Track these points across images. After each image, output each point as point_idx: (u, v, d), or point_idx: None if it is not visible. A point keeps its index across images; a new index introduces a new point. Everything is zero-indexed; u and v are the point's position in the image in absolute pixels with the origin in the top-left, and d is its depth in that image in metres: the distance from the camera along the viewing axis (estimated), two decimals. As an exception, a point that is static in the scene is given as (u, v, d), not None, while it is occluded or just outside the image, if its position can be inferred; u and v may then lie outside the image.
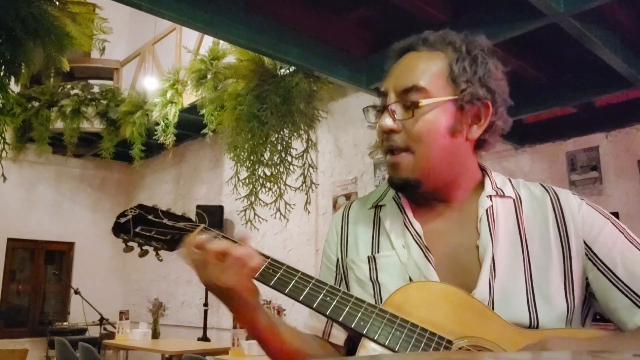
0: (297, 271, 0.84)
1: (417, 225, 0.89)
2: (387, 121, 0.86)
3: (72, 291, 6.34)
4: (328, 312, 0.80)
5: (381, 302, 0.85)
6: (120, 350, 5.82)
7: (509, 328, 0.78)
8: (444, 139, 0.85)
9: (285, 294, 0.82)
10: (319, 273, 1.01)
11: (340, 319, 0.79)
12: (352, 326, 0.78)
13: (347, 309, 0.80)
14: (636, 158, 3.70)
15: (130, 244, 0.94)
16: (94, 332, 6.44)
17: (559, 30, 2.57)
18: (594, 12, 2.50)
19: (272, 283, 0.83)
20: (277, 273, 0.84)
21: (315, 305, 0.81)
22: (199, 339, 5.98)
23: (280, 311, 4.13)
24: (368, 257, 0.92)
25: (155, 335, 5.73)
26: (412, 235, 0.89)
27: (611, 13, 2.70)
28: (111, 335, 5.83)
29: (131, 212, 0.94)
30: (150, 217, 0.93)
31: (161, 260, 0.97)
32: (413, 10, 2.62)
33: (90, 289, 6.33)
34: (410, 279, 0.86)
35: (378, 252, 0.91)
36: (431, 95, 0.85)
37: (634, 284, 0.80)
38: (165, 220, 0.93)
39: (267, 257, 0.85)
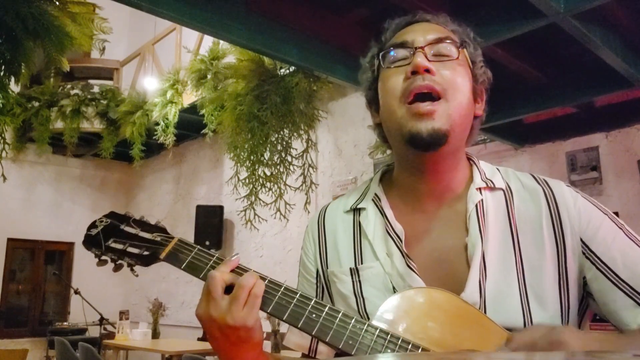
0: (264, 278, 0.79)
1: (399, 229, 0.83)
2: (424, 60, 0.79)
3: (72, 291, 6.34)
4: (314, 331, 0.74)
5: (367, 317, 0.80)
6: (120, 350, 5.82)
7: (506, 337, 0.72)
8: (469, 98, 0.82)
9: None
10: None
11: (327, 339, 0.73)
12: (340, 346, 0.72)
13: (334, 326, 0.74)
14: (636, 158, 3.70)
15: (103, 257, 0.89)
16: (94, 332, 6.44)
17: (559, 30, 2.57)
18: (594, 12, 2.50)
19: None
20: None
21: (285, 317, 0.75)
22: (199, 339, 5.98)
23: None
24: (351, 269, 0.85)
25: (155, 335, 5.73)
26: (394, 241, 0.83)
27: (611, 13, 2.70)
28: (111, 335, 5.83)
29: (101, 223, 0.90)
30: (122, 227, 0.89)
31: (137, 276, 0.93)
32: (412, 9, 2.61)
33: (90, 289, 6.33)
34: (395, 289, 0.80)
35: (362, 263, 0.85)
36: (460, 54, 0.82)
37: (636, 283, 0.74)
38: (139, 232, 0.88)
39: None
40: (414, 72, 0.79)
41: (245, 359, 0.78)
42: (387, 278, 0.81)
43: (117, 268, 0.89)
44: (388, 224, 0.85)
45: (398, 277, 0.80)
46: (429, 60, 0.80)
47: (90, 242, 0.89)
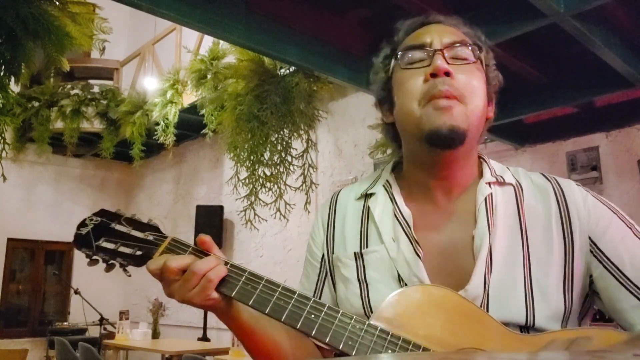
0: (261, 278, 0.78)
1: (407, 213, 0.83)
2: (444, 63, 0.79)
3: (72, 291, 6.34)
4: (313, 332, 0.74)
5: (369, 303, 0.81)
6: (120, 350, 5.82)
7: (507, 335, 0.72)
8: (484, 101, 0.83)
9: (250, 306, 0.76)
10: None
11: (327, 340, 0.72)
12: (340, 347, 0.72)
13: (333, 327, 0.73)
14: (636, 158, 3.70)
15: (94, 257, 0.85)
16: (94, 332, 6.44)
17: (559, 30, 2.57)
18: (594, 12, 2.50)
19: (233, 294, 0.77)
20: (238, 282, 0.77)
21: (284, 318, 0.74)
22: (199, 339, 5.98)
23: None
24: (355, 253, 0.85)
25: (155, 335, 5.74)
26: (401, 226, 0.83)
27: (611, 13, 2.70)
28: (111, 335, 5.84)
29: (91, 221, 0.86)
30: (113, 225, 0.86)
31: (129, 276, 0.89)
32: (413, 10, 2.62)
33: (90, 289, 6.32)
34: (399, 276, 0.80)
35: (367, 247, 0.85)
36: (477, 58, 0.83)
37: None
38: (130, 230, 0.85)
39: (227, 264, 0.79)
40: (434, 75, 0.79)
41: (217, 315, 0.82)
42: (391, 264, 0.81)
43: (109, 268, 0.86)
44: (397, 208, 0.85)
45: (404, 263, 0.80)
46: (448, 63, 0.80)
47: (80, 241, 0.85)
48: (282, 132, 4.11)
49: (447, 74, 0.79)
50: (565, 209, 0.81)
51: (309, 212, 4.34)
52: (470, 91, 0.80)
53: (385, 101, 0.90)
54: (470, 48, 0.83)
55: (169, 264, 0.77)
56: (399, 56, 0.86)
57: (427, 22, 0.88)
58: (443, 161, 0.82)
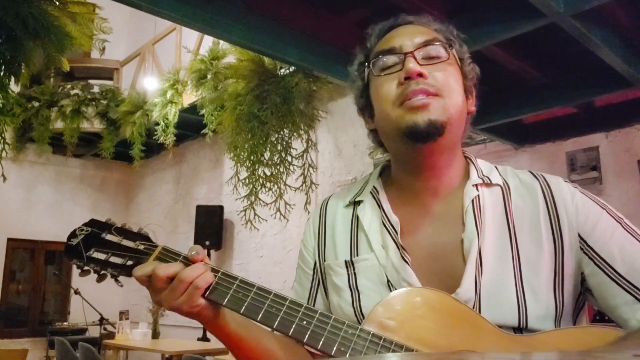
0: (253, 286, 0.78)
1: (395, 220, 0.83)
2: (416, 65, 0.80)
3: (72, 291, 6.34)
4: (305, 339, 0.74)
5: (360, 311, 0.81)
6: (120, 350, 5.83)
7: (500, 336, 0.72)
8: (462, 96, 0.83)
9: (242, 314, 0.76)
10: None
11: (319, 346, 0.72)
12: (332, 353, 0.71)
13: (325, 333, 0.73)
14: (636, 158, 3.70)
15: (85, 268, 0.86)
16: (94, 332, 6.44)
17: (558, 30, 2.57)
18: (594, 12, 2.50)
19: (225, 302, 0.77)
20: (229, 290, 0.78)
21: (275, 325, 0.74)
22: (198, 339, 5.98)
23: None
24: (346, 261, 0.85)
25: (155, 335, 5.74)
26: (389, 233, 0.83)
27: (611, 13, 2.70)
28: (111, 335, 5.84)
29: (82, 232, 0.86)
30: (104, 235, 0.86)
31: (121, 286, 0.89)
32: (412, 9, 2.62)
33: (90, 289, 6.31)
34: (389, 282, 0.80)
35: (357, 255, 0.85)
36: (449, 55, 0.84)
37: (635, 278, 0.74)
38: (121, 240, 0.85)
39: (218, 272, 0.80)
40: (407, 78, 0.80)
41: (205, 325, 0.83)
42: (381, 270, 0.81)
43: (101, 279, 0.87)
44: (384, 215, 0.85)
45: (393, 270, 0.80)
46: (420, 64, 0.80)
47: (71, 252, 0.85)
48: (282, 132, 4.11)
49: (420, 75, 0.79)
50: (554, 206, 0.81)
51: (309, 212, 4.34)
52: (446, 87, 0.80)
53: (366, 108, 0.91)
54: (442, 45, 0.83)
55: (157, 272, 0.77)
56: (372, 64, 0.86)
57: (397, 25, 0.88)
58: (425, 155, 0.82)
